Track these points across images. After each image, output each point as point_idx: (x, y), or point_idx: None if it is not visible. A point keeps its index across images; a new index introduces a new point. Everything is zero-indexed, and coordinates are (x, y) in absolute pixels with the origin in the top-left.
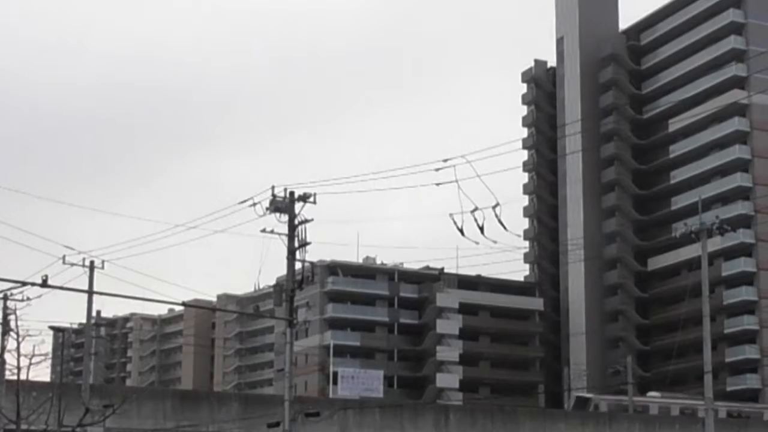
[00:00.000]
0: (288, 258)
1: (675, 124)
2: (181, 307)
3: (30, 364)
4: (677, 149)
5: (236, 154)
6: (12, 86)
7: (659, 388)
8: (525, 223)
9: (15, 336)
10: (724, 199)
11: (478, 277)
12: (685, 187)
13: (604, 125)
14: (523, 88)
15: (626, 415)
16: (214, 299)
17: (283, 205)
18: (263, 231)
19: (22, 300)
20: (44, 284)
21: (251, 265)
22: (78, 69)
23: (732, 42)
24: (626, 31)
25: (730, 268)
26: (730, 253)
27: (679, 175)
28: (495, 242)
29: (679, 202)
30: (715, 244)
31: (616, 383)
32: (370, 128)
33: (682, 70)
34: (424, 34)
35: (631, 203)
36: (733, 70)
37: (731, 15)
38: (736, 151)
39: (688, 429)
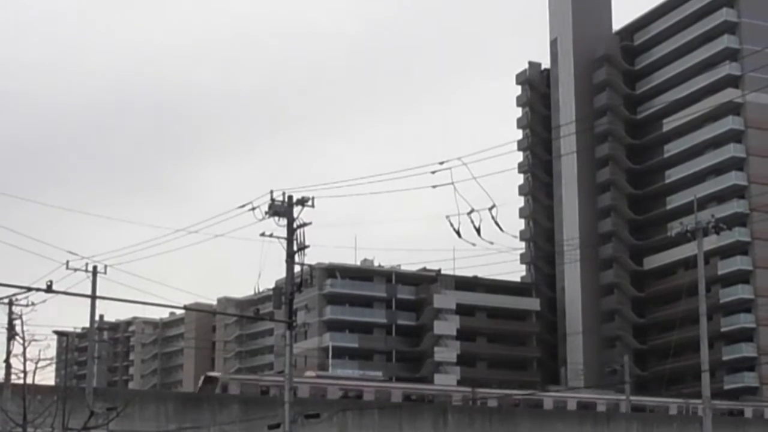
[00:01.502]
0: (287, 261)
1: (669, 124)
2: (182, 311)
3: (36, 368)
4: (672, 149)
5: (235, 160)
6: (18, 95)
7: (657, 387)
8: (521, 224)
9: (21, 340)
10: (720, 197)
11: (475, 278)
12: (680, 187)
13: (599, 126)
14: (518, 90)
15: (624, 415)
16: (215, 302)
17: (282, 209)
18: (262, 235)
19: (27, 305)
20: (49, 289)
21: (251, 268)
22: (81, 80)
23: (725, 41)
24: (620, 32)
25: (727, 266)
26: (726, 252)
27: (673, 175)
28: (491, 243)
29: (675, 201)
30: (711, 242)
31: (613, 382)
32: (366, 132)
33: (675, 70)
34: (418, 38)
35: (627, 203)
36: (727, 69)
37: (724, 14)
38: (731, 150)
39: (686, 428)
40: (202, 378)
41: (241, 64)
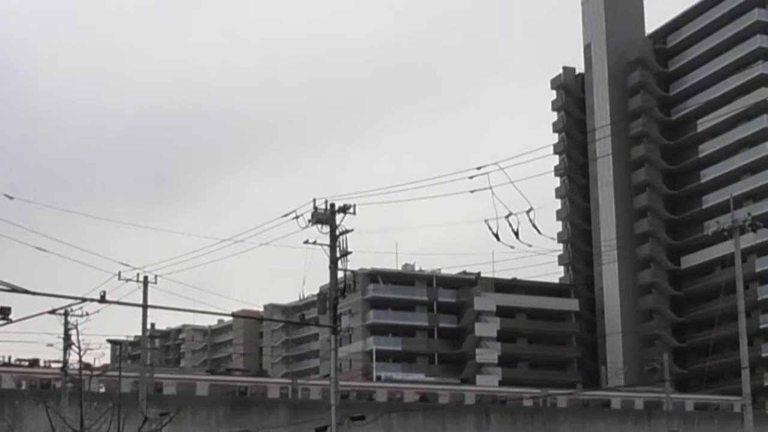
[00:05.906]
0: (330, 267)
1: (704, 124)
2: (230, 318)
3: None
4: (706, 148)
5: (277, 170)
6: (69, 112)
7: (696, 385)
8: (558, 226)
9: (76, 350)
10: (756, 195)
11: (514, 280)
12: (716, 186)
13: (634, 128)
14: (553, 94)
15: (665, 412)
16: (261, 309)
17: (325, 216)
18: (306, 242)
19: (82, 315)
20: (102, 300)
21: (295, 275)
22: (125, 92)
23: (758, 41)
24: (652, 35)
25: (764, 264)
26: (763, 249)
27: (709, 174)
28: (530, 246)
29: (710, 200)
30: (748, 240)
31: (653, 381)
32: (404, 140)
33: (709, 71)
34: (453, 45)
35: (663, 203)
36: (760, 68)
37: (756, 15)
38: (766, 148)
39: (727, 425)
40: None
41: (276, 82)
